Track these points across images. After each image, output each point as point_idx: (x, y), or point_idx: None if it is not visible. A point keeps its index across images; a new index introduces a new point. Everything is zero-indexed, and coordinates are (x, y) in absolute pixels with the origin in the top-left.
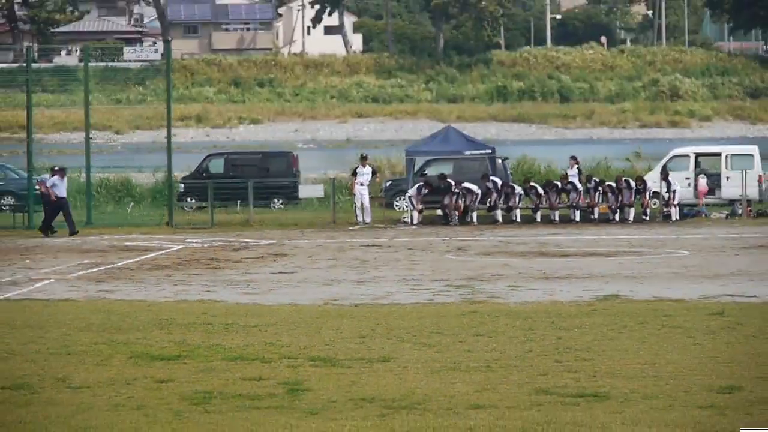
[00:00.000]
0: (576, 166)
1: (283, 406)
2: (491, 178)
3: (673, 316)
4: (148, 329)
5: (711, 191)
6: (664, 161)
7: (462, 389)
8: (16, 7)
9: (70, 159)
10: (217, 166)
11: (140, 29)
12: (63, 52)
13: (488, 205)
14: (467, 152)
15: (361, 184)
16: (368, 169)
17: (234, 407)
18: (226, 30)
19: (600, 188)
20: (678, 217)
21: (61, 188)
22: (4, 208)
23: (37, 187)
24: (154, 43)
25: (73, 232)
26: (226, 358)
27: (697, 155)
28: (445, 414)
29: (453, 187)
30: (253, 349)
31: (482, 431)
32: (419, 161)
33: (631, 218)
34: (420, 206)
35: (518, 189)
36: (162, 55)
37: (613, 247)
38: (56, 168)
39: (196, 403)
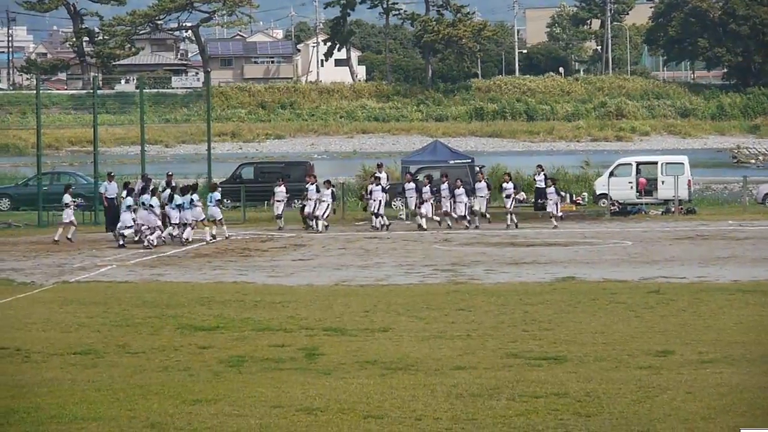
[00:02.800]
0: (542, 172)
1: (302, 367)
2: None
3: (618, 293)
4: (191, 305)
5: (649, 192)
6: (611, 168)
7: (447, 353)
8: (84, 44)
9: (128, 168)
10: (248, 173)
11: (185, 62)
12: (122, 81)
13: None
14: (451, 161)
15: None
16: (384, 174)
17: (262, 369)
18: (255, 63)
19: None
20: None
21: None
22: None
23: (101, 191)
24: (197, 73)
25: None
26: (255, 329)
27: (638, 163)
28: (433, 374)
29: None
30: (277, 322)
31: (464, 388)
32: (412, 169)
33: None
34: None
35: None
36: (203, 83)
37: (570, 238)
38: (111, 174)
39: (232, 365)
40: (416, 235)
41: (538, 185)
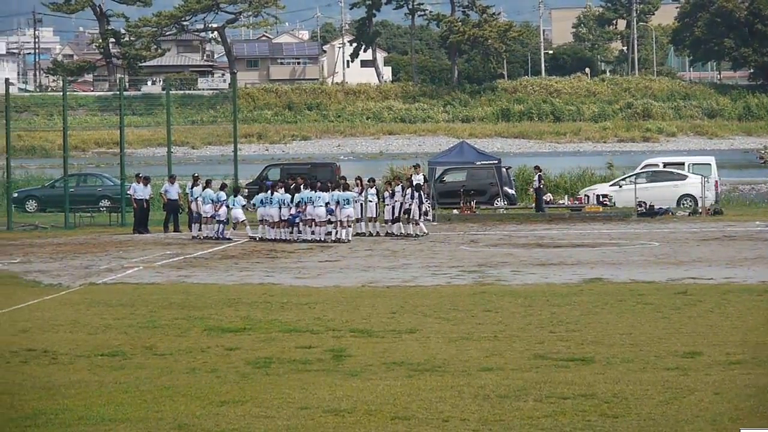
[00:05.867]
0: (539, 174)
1: (329, 369)
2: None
3: (645, 295)
4: (218, 307)
5: None
6: (638, 169)
7: (474, 355)
8: (110, 45)
9: (155, 169)
10: (274, 174)
11: (211, 63)
12: (149, 82)
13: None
14: (478, 162)
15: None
16: (421, 176)
17: (289, 370)
18: (281, 64)
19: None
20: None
21: (145, 192)
22: (101, 209)
23: (129, 192)
24: (223, 74)
25: (141, 231)
26: (282, 330)
27: (665, 164)
28: (460, 375)
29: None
30: (304, 323)
31: (491, 389)
32: (439, 170)
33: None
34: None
35: None
36: (229, 84)
37: (597, 239)
38: (139, 175)
39: (259, 366)
40: (443, 236)
41: (536, 186)
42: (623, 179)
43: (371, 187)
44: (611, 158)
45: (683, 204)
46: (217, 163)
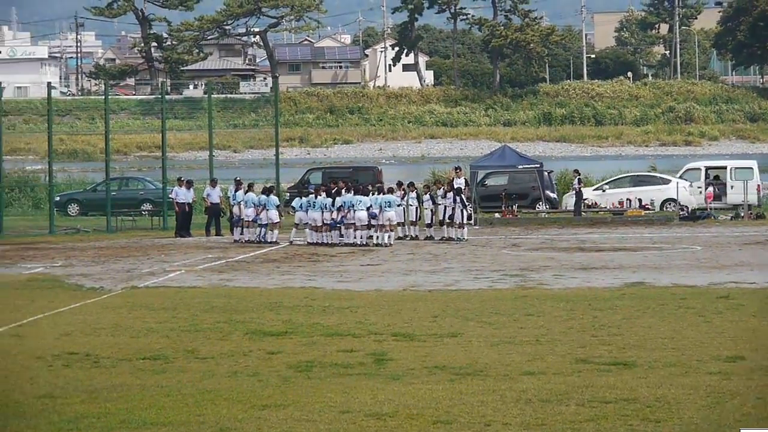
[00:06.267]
0: (578, 177)
1: (371, 373)
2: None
3: (687, 299)
4: (260, 310)
5: (718, 197)
6: (680, 173)
7: (516, 359)
8: (152, 49)
9: (196, 173)
10: (316, 178)
11: (253, 67)
12: (191, 86)
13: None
14: (520, 166)
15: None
16: (462, 180)
17: (331, 374)
18: (323, 68)
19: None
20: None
21: (188, 196)
22: (143, 213)
23: (170, 196)
24: (265, 78)
25: (182, 235)
26: (324, 334)
27: (707, 168)
28: (502, 379)
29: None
30: (346, 327)
31: (533, 393)
32: (481, 174)
33: None
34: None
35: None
36: (271, 88)
37: (639, 243)
38: (181, 179)
39: (300, 370)
40: (484, 240)
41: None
42: (606, 183)
43: (412, 191)
44: (654, 162)
45: (665, 208)
46: (258, 166)
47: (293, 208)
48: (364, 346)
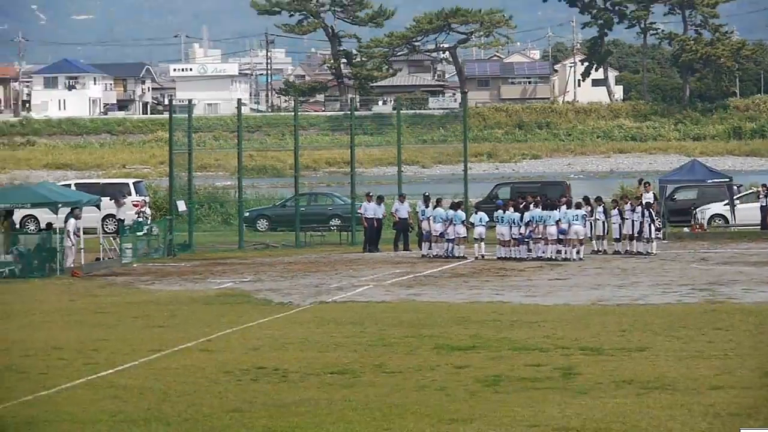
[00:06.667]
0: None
1: (558, 387)
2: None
3: None
4: (448, 325)
5: None
6: None
7: (704, 373)
8: (342, 65)
9: (385, 188)
10: (504, 193)
11: (442, 83)
12: (380, 102)
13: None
14: (709, 180)
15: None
16: (651, 195)
17: (518, 388)
18: (512, 83)
19: None
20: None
21: (377, 211)
22: (332, 228)
23: (359, 211)
24: (454, 94)
25: (371, 250)
26: (511, 348)
27: None
28: (690, 393)
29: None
30: (534, 341)
31: (721, 407)
32: (670, 188)
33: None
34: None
35: None
36: (460, 103)
37: None
38: (370, 194)
39: (488, 384)
40: (673, 255)
41: (762, 204)
42: (741, 196)
43: (599, 206)
44: None
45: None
46: (447, 182)
47: (471, 223)
48: (552, 360)
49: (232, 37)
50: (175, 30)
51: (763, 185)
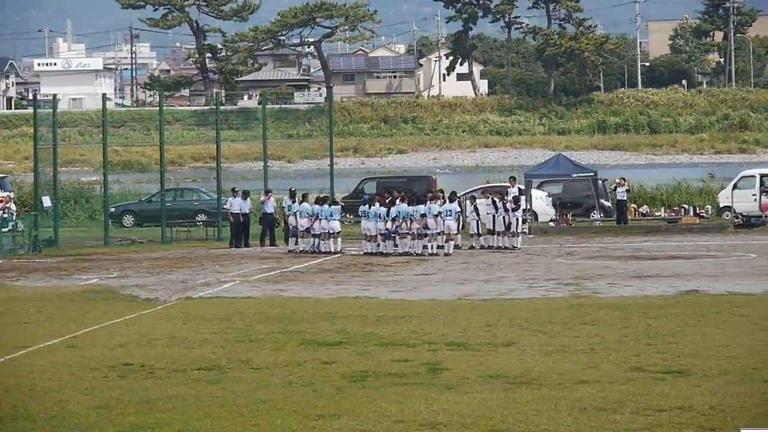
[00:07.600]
0: (624, 185)
1: (425, 382)
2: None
3: (742, 307)
4: (315, 321)
5: None
6: (734, 181)
7: (570, 367)
8: (207, 60)
9: (251, 183)
10: (370, 188)
11: (307, 77)
12: (245, 97)
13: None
14: (574, 175)
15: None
16: (515, 189)
17: (385, 384)
18: (377, 78)
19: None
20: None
21: (243, 207)
22: (198, 223)
23: (225, 207)
24: (319, 88)
25: (237, 246)
26: (378, 344)
27: (762, 176)
28: (557, 388)
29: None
30: (400, 336)
31: (588, 402)
32: (535, 182)
33: None
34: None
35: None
36: (325, 98)
37: (693, 251)
38: (235, 189)
39: (355, 380)
40: (539, 249)
41: (619, 198)
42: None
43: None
44: (713, 169)
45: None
46: (313, 177)
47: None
48: (419, 355)
49: (96, 32)
50: (38, 24)
51: (621, 179)
